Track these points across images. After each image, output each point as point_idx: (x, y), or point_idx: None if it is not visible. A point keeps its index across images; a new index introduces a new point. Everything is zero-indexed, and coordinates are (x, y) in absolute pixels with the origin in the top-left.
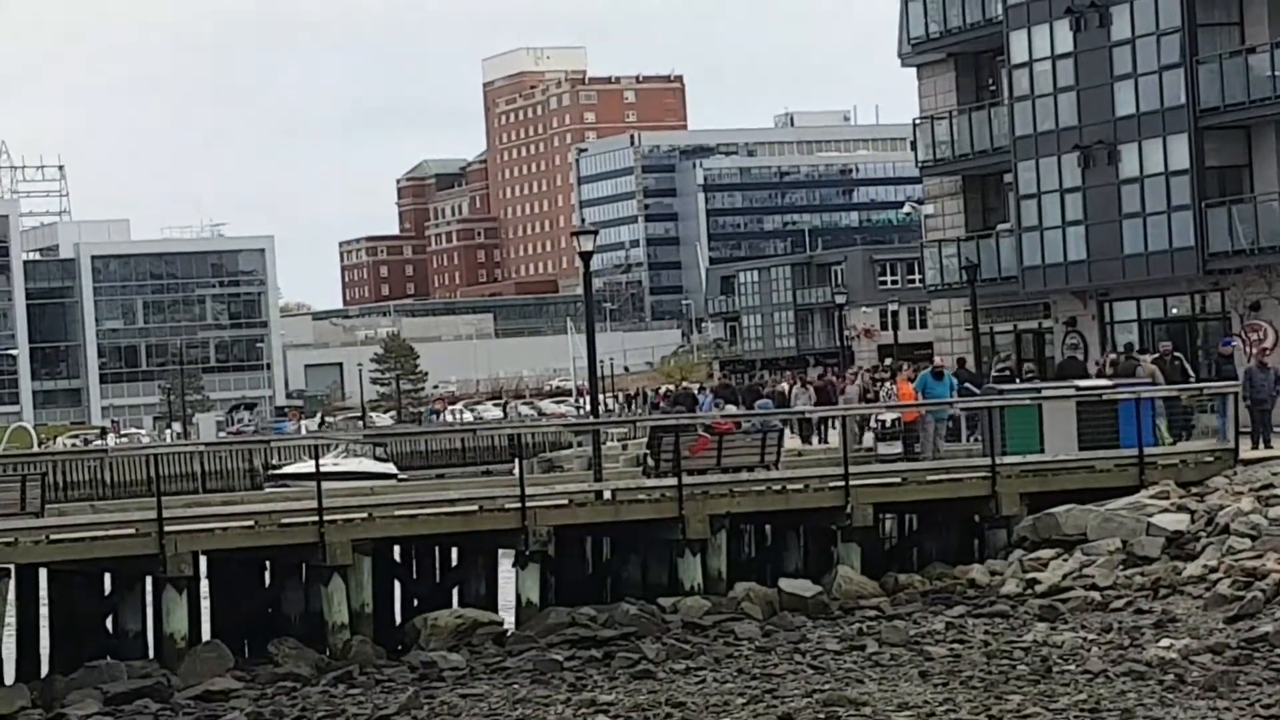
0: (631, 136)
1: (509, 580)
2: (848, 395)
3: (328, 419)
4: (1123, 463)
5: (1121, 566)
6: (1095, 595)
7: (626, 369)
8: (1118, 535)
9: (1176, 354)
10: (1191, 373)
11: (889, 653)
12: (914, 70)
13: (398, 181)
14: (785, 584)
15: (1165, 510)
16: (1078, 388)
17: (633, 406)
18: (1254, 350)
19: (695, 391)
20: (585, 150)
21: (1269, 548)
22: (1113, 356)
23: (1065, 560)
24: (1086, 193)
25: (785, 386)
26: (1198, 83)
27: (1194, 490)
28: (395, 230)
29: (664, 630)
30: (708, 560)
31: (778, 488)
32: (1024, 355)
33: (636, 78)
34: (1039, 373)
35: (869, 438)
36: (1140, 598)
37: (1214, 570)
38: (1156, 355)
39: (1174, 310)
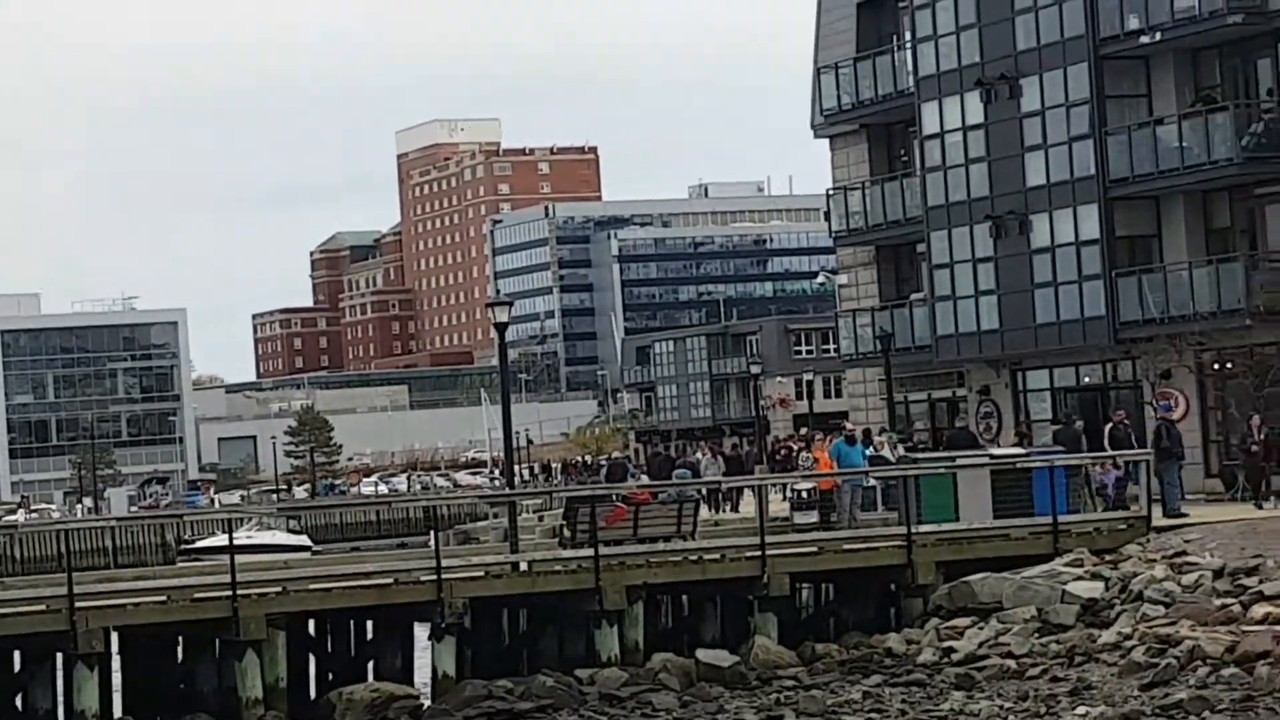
0: (546, 208)
1: (425, 653)
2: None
3: (243, 492)
4: (1037, 530)
5: (1037, 634)
6: (1011, 663)
7: (530, 441)
8: (1033, 603)
9: (1125, 421)
10: (1135, 442)
11: None
12: (827, 141)
13: (311, 254)
14: (703, 654)
15: (1079, 578)
16: (992, 456)
17: (549, 477)
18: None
19: (626, 461)
20: (500, 221)
21: (1182, 615)
22: (1056, 427)
23: (981, 628)
24: (999, 262)
25: (698, 456)
26: (1107, 154)
27: (1108, 558)
28: (309, 302)
29: (581, 702)
30: (625, 631)
31: (694, 558)
32: (939, 425)
33: (551, 149)
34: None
35: (785, 506)
36: (1055, 665)
37: (1128, 637)
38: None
39: (1086, 379)
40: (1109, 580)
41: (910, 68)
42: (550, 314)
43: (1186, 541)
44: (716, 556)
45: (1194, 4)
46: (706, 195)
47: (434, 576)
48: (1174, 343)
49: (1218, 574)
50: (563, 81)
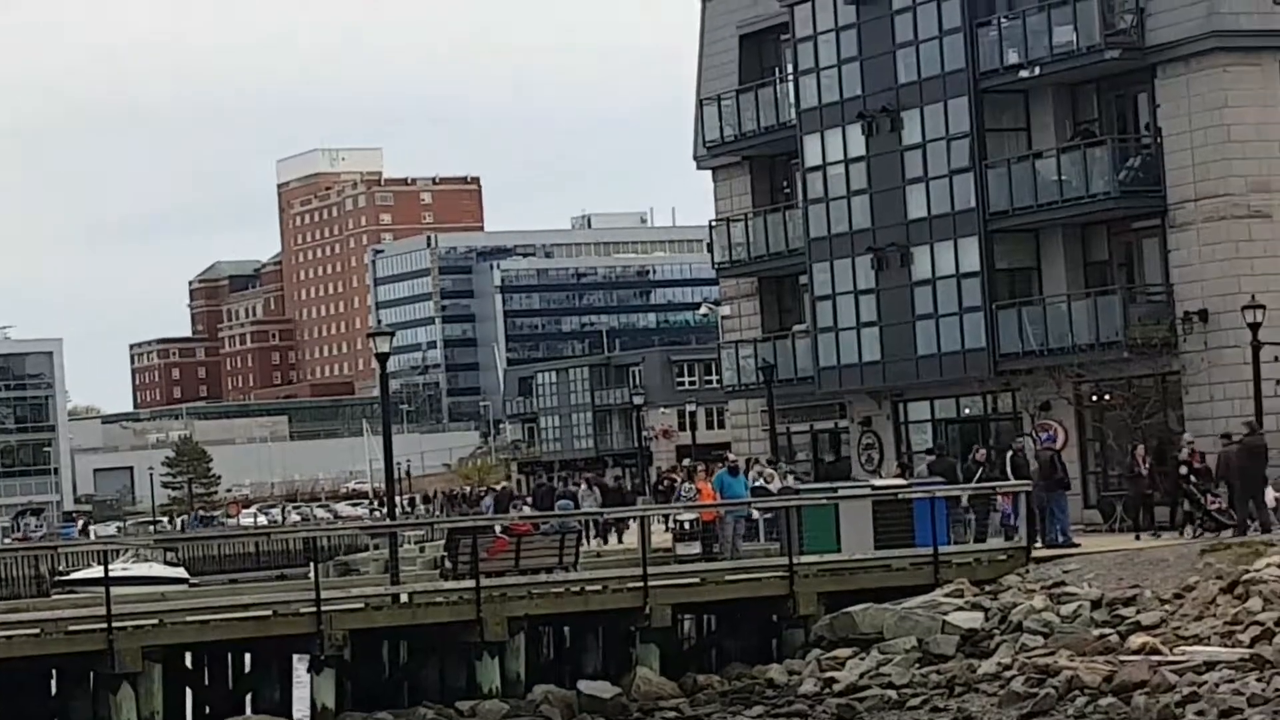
0: (428, 238)
1: (304, 686)
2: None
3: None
4: (918, 561)
5: (917, 665)
6: (892, 694)
7: (408, 473)
8: (913, 634)
9: (1051, 447)
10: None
11: None
12: (710, 173)
13: (190, 283)
14: (584, 686)
15: (960, 608)
16: (874, 487)
17: (430, 508)
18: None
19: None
20: (381, 251)
21: (1061, 645)
22: (930, 459)
23: (862, 659)
24: (880, 294)
25: (579, 487)
26: (987, 187)
27: (988, 588)
28: (188, 332)
29: None
30: (506, 663)
31: (576, 589)
32: (820, 455)
33: (433, 179)
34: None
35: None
36: (936, 696)
37: (1008, 668)
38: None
39: (966, 410)
40: (989, 611)
41: (792, 100)
42: (432, 344)
43: (1065, 572)
44: (598, 588)
45: (1072, 39)
46: (589, 226)
47: (313, 608)
48: (1053, 375)
49: (1096, 604)
50: (445, 111)
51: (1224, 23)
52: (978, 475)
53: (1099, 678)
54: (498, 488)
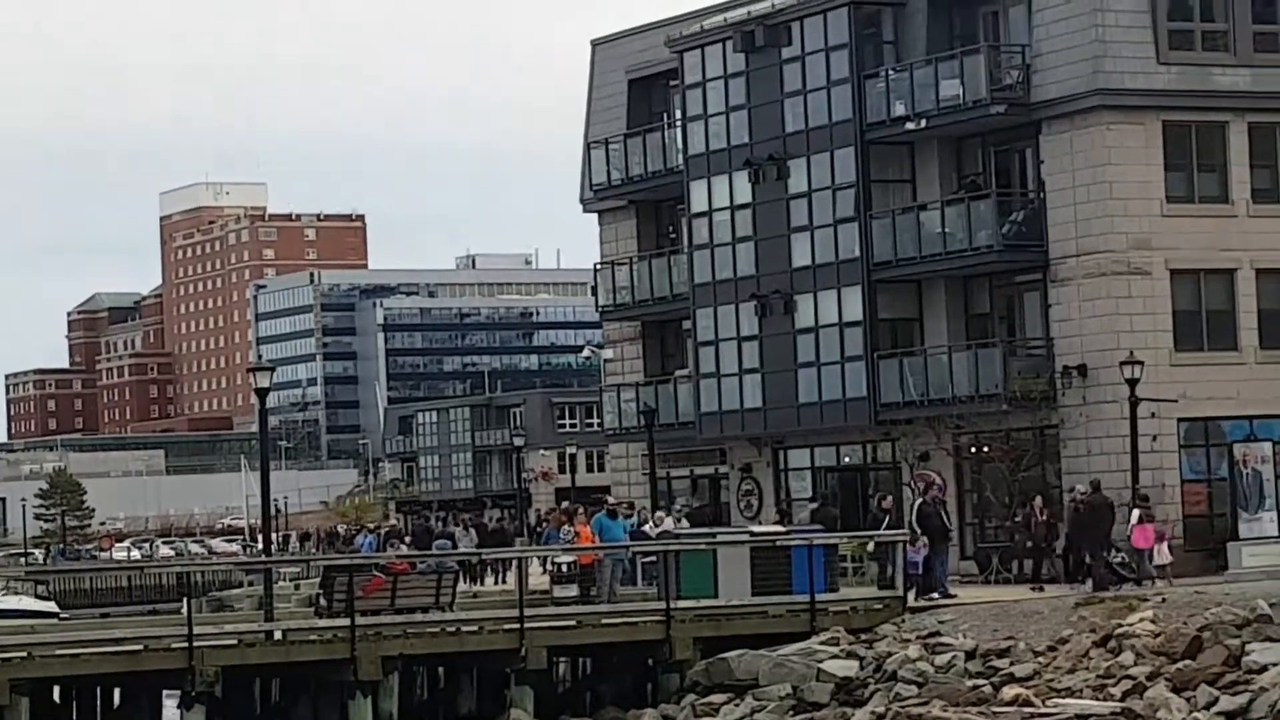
0: (311, 274)
1: None
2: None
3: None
4: (795, 608)
5: (791, 712)
6: None
7: (279, 510)
8: (788, 680)
9: (940, 497)
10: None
11: None
12: (596, 216)
13: (68, 314)
14: None
15: (835, 656)
16: (751, 533)
17: (307, 546)
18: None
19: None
20: (264, 286)
21: (935, 695)
22: (813, 506)
23: (737, 705)
24: (763, 341)
25: (456, 529)
26: (871, 237)
27: (863, 637)
28: (65, 363)
29: None
30: (379, 702)
31: (452, 629)
32: (702, 501)
33: (318, 215)
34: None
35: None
36: None
37: (881, 716)
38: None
39: (846, 459)
40: (864, 659)
41: (680, 146)
42: (313, 381)
43: (941, 622)
44: (475, 628)
45: (959, 93)
46: (474, 266)
47: (185, 644)
48: (933, 425)
49: (970, 655)
50: (331, 148)
51: (1108, 81)
52: (884, 523)
53: None
54: (371, 526)
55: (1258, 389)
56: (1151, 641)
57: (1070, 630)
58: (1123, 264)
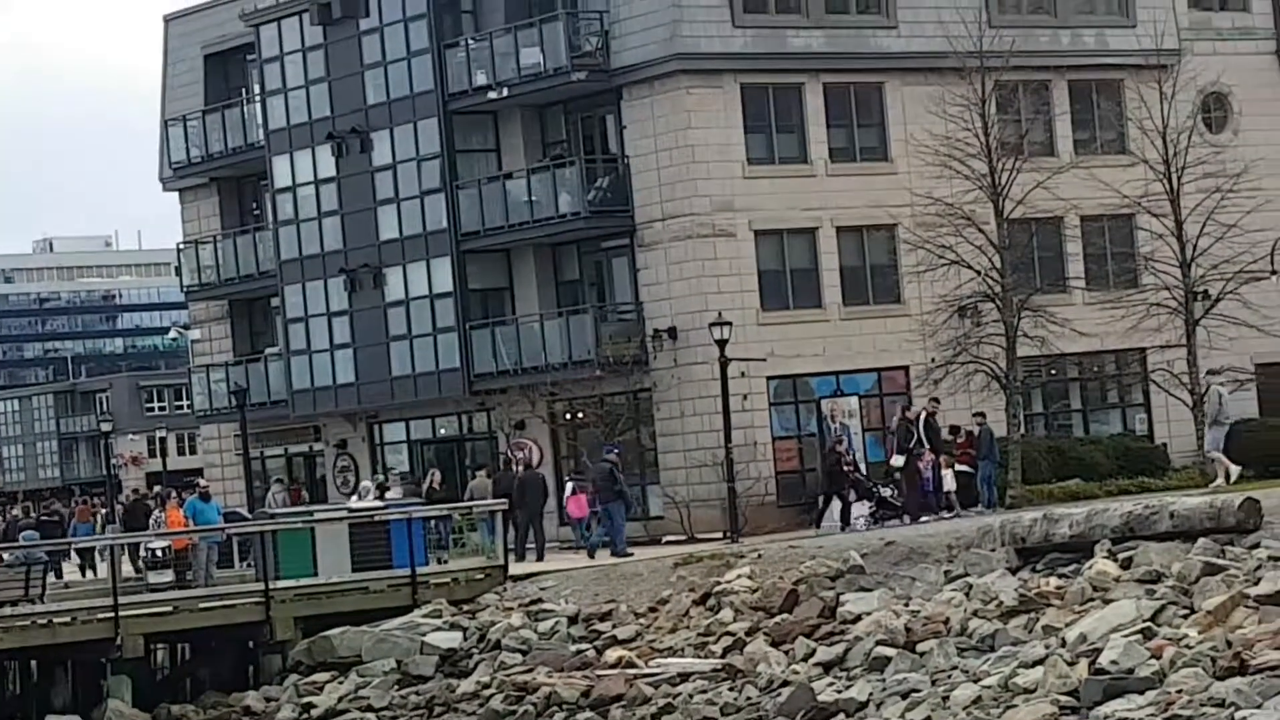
0: None
1: None
2: None
3: None
4: (396, 583)
5: (397, 686)
6: (371, 716)
7: None
8: (392, 655)
9: (610, 459)
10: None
11: None
12: (177, 194)
13: None
14: None
15: (438, 629)
16: (350, 509)
17: None
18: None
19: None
20: None
21: (539, 661)
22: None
23: (341, 683)
24: (353, 315)
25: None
26: (458, 207)
27: (466, 608)
28: None
29: None
30: None
31: (44, 621)
32: (297, 479)
33: None
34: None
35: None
36: (416, 717)
37: (487, 686)
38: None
39: (442, 431)
40: (467, 630)
41: (260, 121)
42: None
43: (542, 589)
44: (67, 619)
45: (539, 61)
46: (52, 250)
47: None
48: (527, 393)
49: (573, 620)
50: None
51: (685, 45)
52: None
53: (577, 693)
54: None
55: (842, 345)
56: (749, 597)
57: (670, 590)
58: (707, 226)
